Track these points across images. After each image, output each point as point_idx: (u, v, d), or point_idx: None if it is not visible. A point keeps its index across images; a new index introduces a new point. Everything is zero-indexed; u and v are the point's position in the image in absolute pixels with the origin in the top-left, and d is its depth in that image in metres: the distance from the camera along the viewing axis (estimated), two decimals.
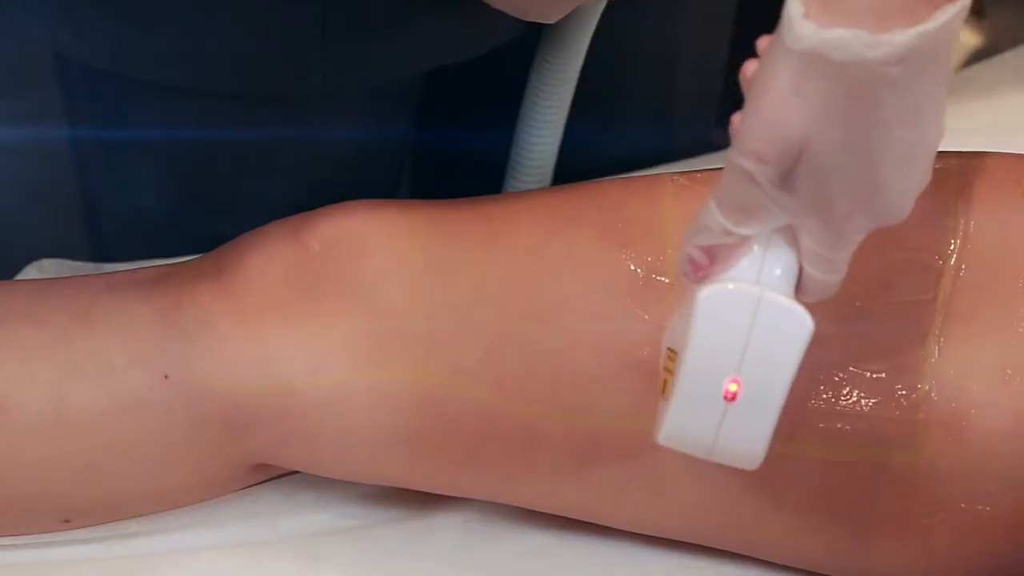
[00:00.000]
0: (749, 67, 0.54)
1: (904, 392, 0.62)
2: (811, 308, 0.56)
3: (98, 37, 0.77)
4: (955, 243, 0.64)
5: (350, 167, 0.85)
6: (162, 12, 0.75)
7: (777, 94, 0.52)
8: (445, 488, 0.68)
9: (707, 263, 0.56)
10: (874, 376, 0.63)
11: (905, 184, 0.53)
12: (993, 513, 0.63)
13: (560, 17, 0.71)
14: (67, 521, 0.68)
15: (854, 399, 0.63)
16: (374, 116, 0.85)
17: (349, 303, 0.66)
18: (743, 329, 0.55)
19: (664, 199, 0.66)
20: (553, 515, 0.68)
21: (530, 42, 0.82)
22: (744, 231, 0.55)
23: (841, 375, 0.63)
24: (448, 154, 0.96)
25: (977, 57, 1.27)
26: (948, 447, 0.62)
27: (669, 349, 0.58)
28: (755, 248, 0.55)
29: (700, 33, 0.95)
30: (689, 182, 0.67)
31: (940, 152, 0.67)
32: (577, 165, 0.84)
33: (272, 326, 0.65)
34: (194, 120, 0.81)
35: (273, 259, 0.67)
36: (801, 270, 0.56)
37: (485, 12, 0.68)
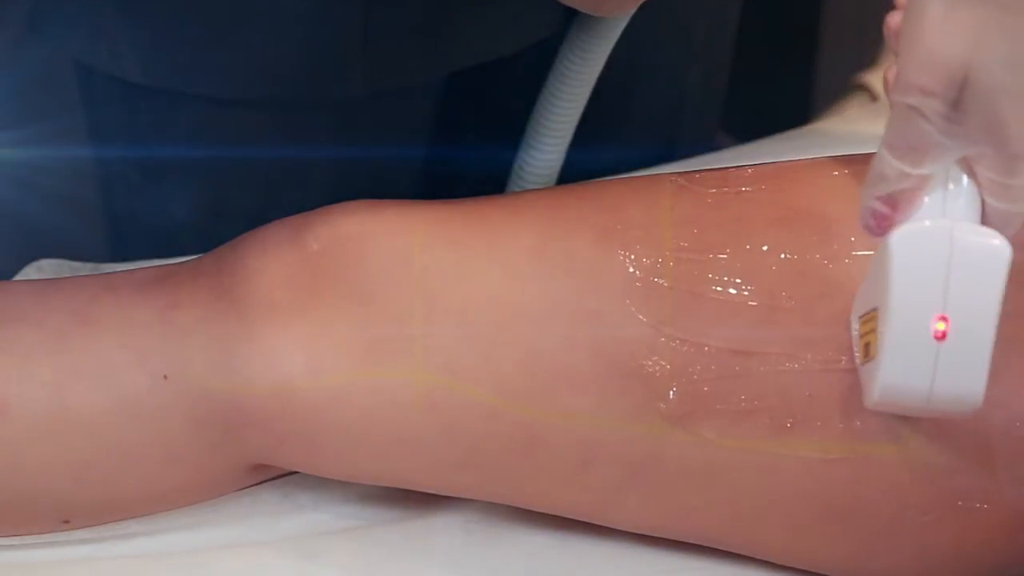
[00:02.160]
0: (893, 18, 0.54)
1: None
2: None
3: (134, 50, 0.77)
4: None
5: (378, 171, 0.85)
6: (199, 22, 0.75)
7: (931, 24, 0.52)
8: (445, 488, 0.68)
9: (890, 212, 0.56)
10: None
11: None
12: (991, 511, 0.63)
13: (628, 13, 0.71)
14: (67, 521, 0.68)
15: (851, 398, 0.63)
16: (405, 120, 0.85)
17: (348, 303, 0.66)
18: (942, 264, 0.55)
19: (663, 200, 0.66)
20: (553, 515, 0.68)
21: (544, 45, 0.82)
22: (921, 171, 0.55)
23: (837, 374, 0.63)
24: (455, 157, 0.96)
25: None
26: (946, 445, 0.62)
27: (861, 317, 0.58)
28: (935, 187, 0.55)
29: (704, 38, 0.95)
30: (688, 183, 0.67)
31: None
32: (579, 169, 0.84)
33: (271, 326, 0.65)
34: (228, 131, 0.81)
35: (273, 259, 0.67)
36: (983, 203, 0.55)
37: (520, 9, 0.68)
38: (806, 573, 0.67)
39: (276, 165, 0.84)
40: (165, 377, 0.65)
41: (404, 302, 0.65)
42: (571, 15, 0.80)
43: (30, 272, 0.81)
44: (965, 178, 0.55)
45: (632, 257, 0.65)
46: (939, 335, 0.55)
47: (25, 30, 0.82)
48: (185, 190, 0.86)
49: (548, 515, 0.69)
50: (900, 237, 0.55)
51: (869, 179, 0.56)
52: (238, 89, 0.78)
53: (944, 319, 0.55)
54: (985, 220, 0.56)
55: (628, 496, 0.65)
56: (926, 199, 0.56)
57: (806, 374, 0.63)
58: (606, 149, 0.92)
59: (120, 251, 0.93)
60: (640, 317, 0.64)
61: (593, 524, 0.68)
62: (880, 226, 0.57)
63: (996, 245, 0.55)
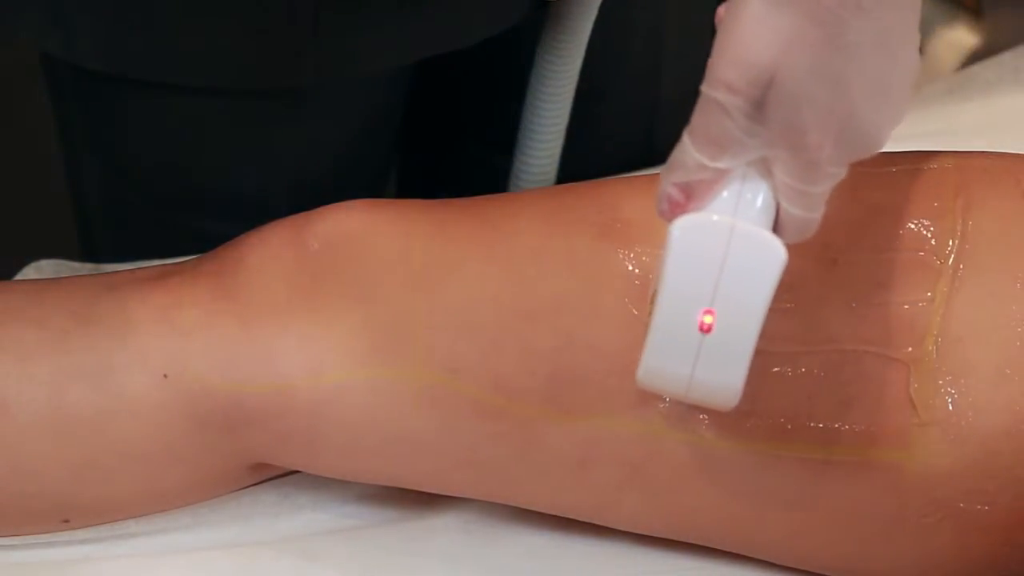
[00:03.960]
0: (721, 10, 0.54)
1: (902, 392, 0.63)
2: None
3: (88, 37, 0.77)
4: (953, 243, 0.64)
5: (342, 161, 0.85)
6: (152, 8, 0.74)
7: (745, 23, 0.52)
8: (444, 487, 0.68)
9: (683, 200, 0.56)
10: (872, 377, 0.63)
11: (878, 114, 0.53)
12: (992, 513, 0.63)
13: None
14: (66, 521, 0.68)
15: (852, 401, 0.63)
16: (366, 110, 0.85)
17: (349, 303, 0.66)
18: (716, 260, 0.55)
19: None
20: (553, 515, 0.69)
21: (524, 45, 0.82)
22: (718, 165, 0.54)
23: (837, 376, 0.63)
24: (444, 156, 0.96)
25: (976, 57, 1.27)
26: (946, 447, 0.62)
27: (651, 297, 0.58)
28: (731, 183, 0.55)
29: (686, 28, 0.95)
30: None
31: (938, 152, 0.67)
32: (573, 166, 0.84)
33: (272, 326, 0.66)
34: (186, 118, 0.81)
35: (273, 259, 0.67)
36: (779, 207, 0.55)
37: None
38: (806, 573, 0.67)
39: (237, 153, 0.83)
40: (165, 376, 0.65)
41: (404, 301, 0.65)
42: (536, 5, 0.80)
43: (30, 272, 0.81)
44: (761, 179, 0.55)
45: (632, 256, 0.65)
46: (704, 328, 0.55)
47: None
48: (144, 178, 0.85)
49: (548, 515, 0.69)
50: (681, 227, 0.55)
51: (668, 164, 0.56)
52: (192, 77, 0.78)
53: (711, 313, 0.55)
54: (779, 224, 0.55)
55: (628, 496, 0.65)
56: (724, 193, 0.55)
57: (806, 375, 0.63)
58: (597, 149, 0.92)
59: (85, 238, 0.93)
60: (639, 316, 0.64)
61: (593, 524, 0.68)
62: (672, 212, 0.56)
63: (772, 248, 0.55)
